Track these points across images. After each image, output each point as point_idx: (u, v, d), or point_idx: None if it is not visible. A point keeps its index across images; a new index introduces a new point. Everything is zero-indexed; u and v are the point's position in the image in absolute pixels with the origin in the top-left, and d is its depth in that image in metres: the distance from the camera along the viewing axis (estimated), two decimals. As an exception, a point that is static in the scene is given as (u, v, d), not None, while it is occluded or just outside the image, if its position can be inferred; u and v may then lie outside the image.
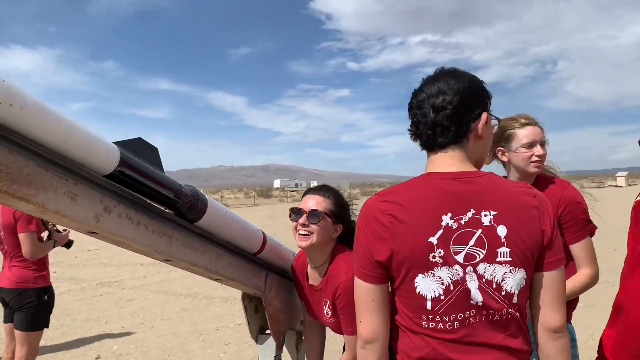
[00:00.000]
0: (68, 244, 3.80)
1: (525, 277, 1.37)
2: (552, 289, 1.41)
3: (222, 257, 1.73)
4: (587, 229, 2.12)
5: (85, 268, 11.49)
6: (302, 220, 1.92)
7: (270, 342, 2.17)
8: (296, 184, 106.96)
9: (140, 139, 1.41)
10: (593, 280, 2.11)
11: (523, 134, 2.17)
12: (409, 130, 1.49)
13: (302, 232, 1.92)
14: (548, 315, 1.40)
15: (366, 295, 1.39)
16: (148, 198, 1.41)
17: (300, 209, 1.95)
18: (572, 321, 2.26)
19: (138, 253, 1.44)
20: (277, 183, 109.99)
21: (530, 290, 1.42)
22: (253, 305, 2.18)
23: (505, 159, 2.23)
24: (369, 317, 1.38)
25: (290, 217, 1.98)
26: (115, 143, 1.31)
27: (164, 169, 1.48)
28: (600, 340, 1.59)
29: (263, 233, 2.02)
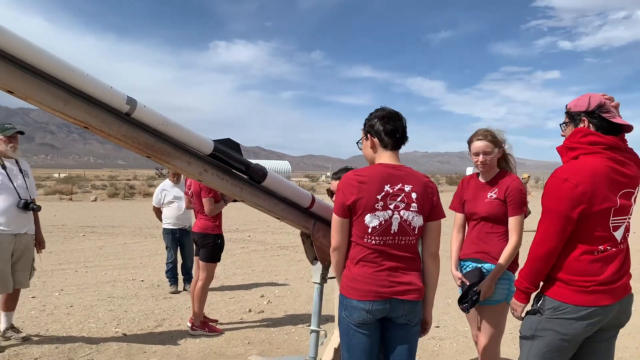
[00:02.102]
0: (235, 200, 5.50)
1: (422, 221, 2.51)
2: (435, 230, 2.56)
3: (278, 204, 3.08)
4: (521, 209, 3.05)
5: (273, 235, 14.19)
6: (334, 198, 2.98)
7: (319, 266, 3.46)
8: None
9: (229, 139, 2.83)
10: (516, 247, 3.08)
11: (473, 146, 3.23)
12: (370, 133, 2.63)
13: None
14: (431, 245, 2.56)
15: (337, 223, 2.55)
16: (231, 167, 2.83)
17: (332, 191, 3.10)
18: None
19: (226, 194, 2.87)
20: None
21: (423, 232, 2.54)
22: (309, 241, 3.48)
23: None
24: (337, 235, 2.56)
25: (327, 195, 3.19)
26: (214, 140, 2.74)
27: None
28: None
29: (313, 196, 3.31)
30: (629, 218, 2.47)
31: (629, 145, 2.52)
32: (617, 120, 2.43)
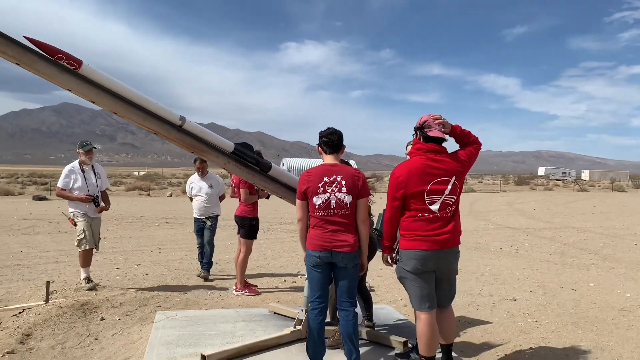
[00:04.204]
0: (267, 196, 7.00)
1: (352, 199, 3.78)
2: (363, 204, 3.83)
3: (280, 187, 4.48)
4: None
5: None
6: None
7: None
8: (563, 173, 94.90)
9: (245, 143, 4.28)
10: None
11: None
12: (318, 144, 3.98)
13: None
14: (361, 214, 3.83)
15: (299, 204, 3.89)
16: (246, 161, 4.29)
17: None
18: None
19: (243, 179, 4.34)
20: (541, 170, 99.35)
21: (355, 207, 3.81)
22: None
23: None
24: (299, 211, 3.90)
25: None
26: (235, 143, 4.20)
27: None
28: None
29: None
30: (446, 196, 3.59)
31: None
32: (432, 133, 3.61)
